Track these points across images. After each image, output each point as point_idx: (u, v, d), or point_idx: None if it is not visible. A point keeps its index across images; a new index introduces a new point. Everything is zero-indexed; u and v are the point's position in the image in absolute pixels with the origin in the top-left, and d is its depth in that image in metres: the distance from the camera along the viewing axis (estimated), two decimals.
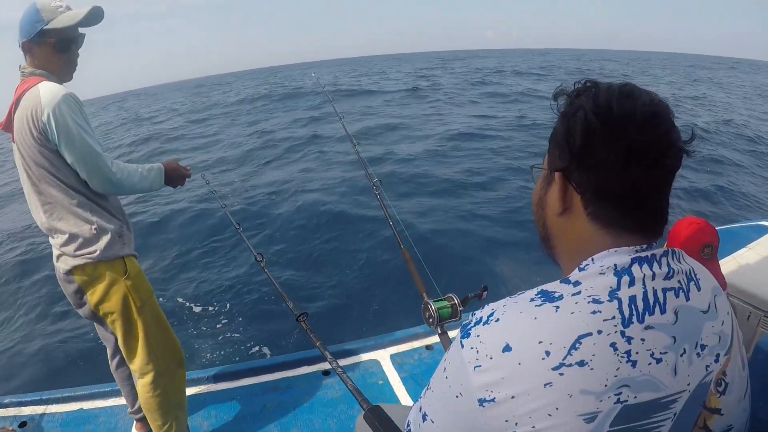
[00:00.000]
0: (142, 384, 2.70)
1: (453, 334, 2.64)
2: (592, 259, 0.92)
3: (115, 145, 22.78)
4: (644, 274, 0.88)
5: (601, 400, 0.79)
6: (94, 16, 2.36)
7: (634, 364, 0.81)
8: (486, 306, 0.94)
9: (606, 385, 0.79)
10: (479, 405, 0.85)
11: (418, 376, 3.49)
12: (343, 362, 3.64)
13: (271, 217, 9.77)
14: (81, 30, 2.39)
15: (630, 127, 0.88)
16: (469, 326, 0.92)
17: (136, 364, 2.66)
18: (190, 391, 3.54)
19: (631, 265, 0.89)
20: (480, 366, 0.86)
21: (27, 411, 3.62)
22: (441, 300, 1.99)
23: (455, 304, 1.96)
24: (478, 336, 0.89)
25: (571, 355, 0.80)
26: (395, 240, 2.65)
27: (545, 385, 0.79)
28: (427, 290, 2.15)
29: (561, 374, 0.79)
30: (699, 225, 2.35)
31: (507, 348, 0.84)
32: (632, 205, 0.92)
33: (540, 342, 0.82)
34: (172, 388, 2.78)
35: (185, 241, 8.77)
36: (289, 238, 8.77)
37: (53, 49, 2.30)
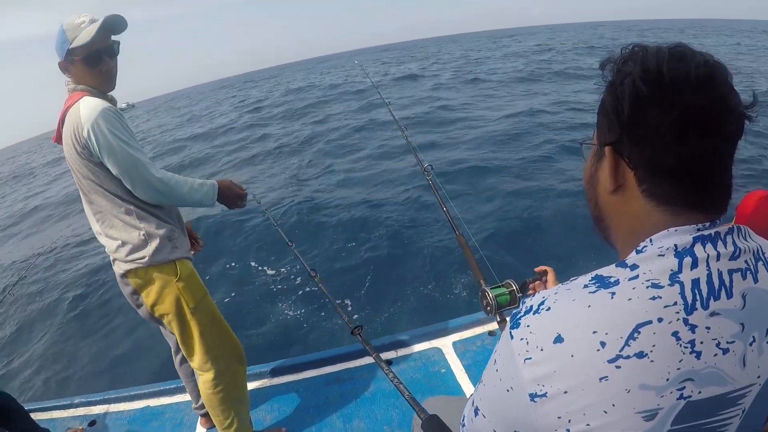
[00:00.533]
0: (203, 381, 2.74)
1: None
2: (651, 240, 0.84)
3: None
4: (708, 255, 0.80)
5: (662, 396, 0.73)
6: (114, 25, 2.36)
7: (698, 355, 0.74)
8: (537, 294, 0.88)
9: (667, 379, 0.73)
10: (530, 400, 0.80)
11: (481, 363, 3.40)
12: (403, 351, 3.62)
13: (323, 206, 9.88)
14: (115, 38, 2.41)
15: (683, 91, 0.79)
16: (518, 315, 0.86)
17: (196, 363, 2.70)
18: (251, 385, 3.58)
19: (693, 245, 0.81)
20: (530, 358, 0.80)
21: (96, 410, 3.73)
22: (499, 287, 1.93)
23: (514, 290, 1.90)
24: (528, 326, 0.83)
25: (628, 345, 0.73)
26: (450, 226, 2.60)
27: (600, 379, 0.73)
28: (484, 277, 2.10)
29: (618, 367, 0.73)
30: None
31: (559, 339, 0.78)
32: (691, 178, 0.83)
33: (594, 332, 0.75)
34: (233, 384, 2.80)
35: (235, 250, 8.87)
36: (341, 227, 8.83)
37: (83, 64, 2.32)
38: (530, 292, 1.92)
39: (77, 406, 3.85)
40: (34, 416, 3.59)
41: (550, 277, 1.91)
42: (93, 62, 2.32)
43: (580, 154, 1.04)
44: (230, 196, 2.70)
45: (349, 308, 6.13)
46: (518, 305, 1.90)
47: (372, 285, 6.69)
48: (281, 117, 26.19)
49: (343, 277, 6.97)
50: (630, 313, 0.76)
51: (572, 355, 0.76)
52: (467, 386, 3.25)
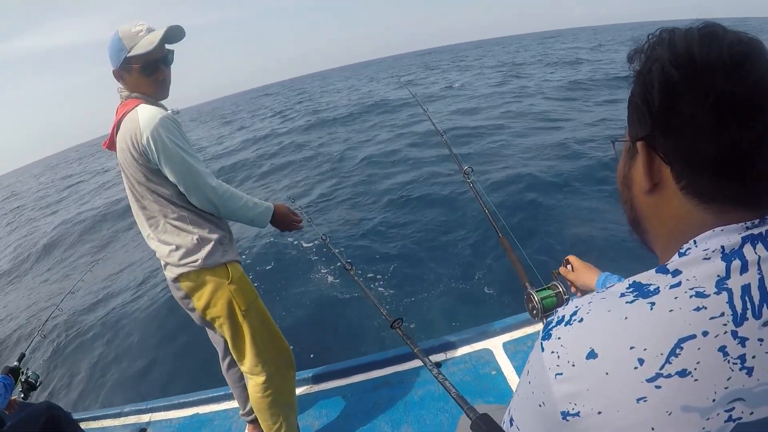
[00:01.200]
0: (253, 385, 2.75)
1: None
2: (694, 242, 0.76)
3: None
4: (759, 256, 0.71)
5: (707, 418, 0.65)
6: (174, 35, 2.40)
7: (749, 371, 0.66)
8: (570, 302, 0.81)
9: (714, 400, 0.65)
10: (562, 418, 0.74)
11: None
12: (452, 354, 3.57)
13: (362, 208, 9.92)
14: (169, 47, 2.44)
15: (717, 74, 0.71)
16: (550, 326, 0.80)
17: (247, 366, 2.71)
18: (299, 390, 3.59)
19: (742, 246, 0.72)
20: (561, 374, 0.74)
21: (146, 418, 3.79)
22: (545, 289, 1.87)
23: (560, 292, 1.84)
24: (558, 338, 0.77)
25: (670, 363, 0.66)
26: (492, 228, 2.54)
27: (638, 399, 0.66)
28: (530, 279, 2.04)
29: (657, 387, 0.66)
30: None
31: (592, 354, 0.71)
32: (733, 171, 0.74)
33: (632, 348, 0.68)
34: (283, 389, 2.81)
35: (268, 245, 8.99)
36: (381, 232, 8.81)
37: (140, 73, 2.35)
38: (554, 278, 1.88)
39: (127, 414, 3.92)
40: (85, 425, 3.67)
41: (575, 263, 1.86)
42: (150, 71, 2.37)
43: (614, 154, 0.96)
44: (285, 222, 2.75)
45: (388, 305, 6.08)
46: (564, 306, 1.85)
47: (413, 286, 6.65)
48: (318, 122, 26.35)
49: (383, 276, 6.97)
50: (671, 326, 0.68)
51: (606, 373, 0.69)
52: None
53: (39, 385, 3.52)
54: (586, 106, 17.15)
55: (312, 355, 5.47)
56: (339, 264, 2.93)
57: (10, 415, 3.13)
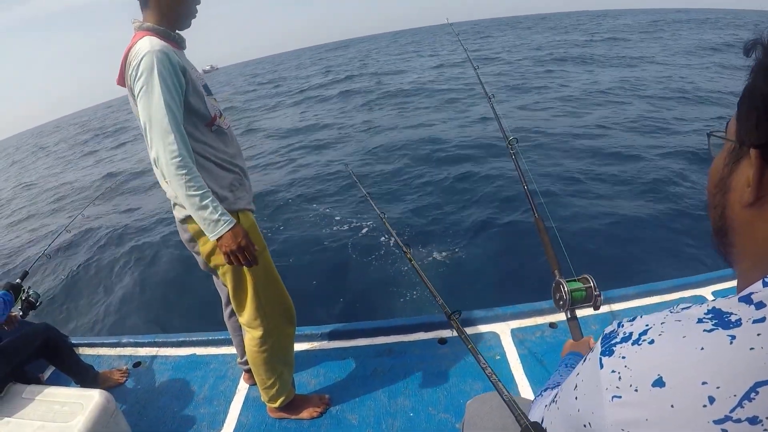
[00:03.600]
0: (249, 338, 2.70)
1: (582, 314, 2.44)
2: None
3: None
4: None
5: None
6: None
7: None
8: (638, 318, 0.73)
9: None
10: None
11: (538, 355, 3.29)
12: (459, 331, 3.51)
13: (401, 176, 9.79)
14: None
15: None
16: (613, 341, 0.72)
17: (245, 318, 2.65)
18: (301, 346, 3.58)
19: None
20: (620, 397, 0.66)
21: (142, 352, 3.79)
22: (575, 281, 1.78)
23: (591, 287, 1.75)
24: (623, 357, 0.69)
25: (742, 407, 0.57)
26: (529, 206, 2.44)
27: None
28: (560, 267, 1.94)
29: (724, 431, 0.57)
30: None
31: (659, 382, 0.63)
32: None
33: (704, 383, 0.59)
34: (279, 345, 2.75)
35: (325, 214, 8.80)
36: (414, 197, 8.75)
37: None
38: None
39: (124, 345, 3.92)
40: (81, 351, 3.67)
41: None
42: None
43: (707, 148, 0.83)
44: (233, 247, 2.30)
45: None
46: (593, 303, 1.75)
47: (437, 256, 6.58)
48: (364, 88, 26.09)
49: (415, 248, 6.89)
50: (750, 366, 0.59)
51: (672, 405, 0.61)
52: (520, 377, 3.12)
53: (39, 305, 3.55)
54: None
55: (323, 314, 5.48)
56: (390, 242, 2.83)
57: (8, 331, 3.18)
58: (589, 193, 8.11)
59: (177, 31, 2.37)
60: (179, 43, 2.37)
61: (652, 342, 0.67)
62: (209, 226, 2.22)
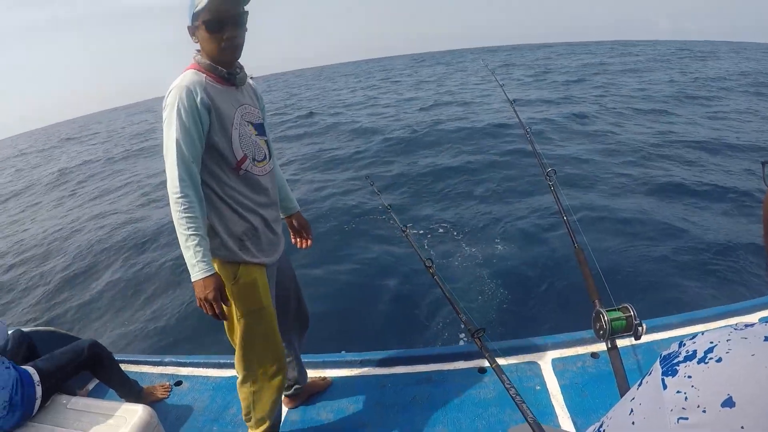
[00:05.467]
0: (238, 377, 2.78)
1: (623, 343, 2.43)
2: None
3: None
4: None
5: None
6: None
7: None
8: (699, 335, 0.71)
9: None
10: None
11: (579, 386, 3.24)
12: (500, 361, 3.46)
13: (430, 194, 9.90)
14: (246, 8, 2.34)
15: None
16: (675, 360, 0.70)
17: (235, 359, 2.71)
18: (340, 372, 3.61)
19: None
20: (686, 419, 0.64)
21: (184, 371, 3.85)
22: (615, 310, 1.79)
23: (631, 316, 1.76)
24: (689, 377, 0.66)
25: None
26: (568, 237, 2.44)
27: None
28: (600, 297, 1.95)
29: None
30: None
31: (729, 402, 0.61)
32: None
33: None
34: (261, 396, 2.76)
35: (345, 236, 8.86)
36: (452, 221, 8.76)
37: (205, 30, 2.27)
38: None
39: (166, 364, 4.01)
40: (124, 368, 3.75)
41: None
42: (214, 28, 2.25)
43: (762, 177, 0.84)
44: (200, 296, 2.31)
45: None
46: (634, 332, 1.75)
47: (473, 286, 6.54)
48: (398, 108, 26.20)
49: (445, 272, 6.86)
50: None
51: (742, 426, 0.59)
52: (560, 409, 3.08)
53: None
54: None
55: (360, 338, 5.49)
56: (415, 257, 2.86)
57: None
58: (629, 221, 8.05)
59: (228, 66, 2.38)
60: (226, 79, 2.38)
61: (719, 360, 0.65)
62: (189, 267, 2.27)
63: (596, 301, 1.92)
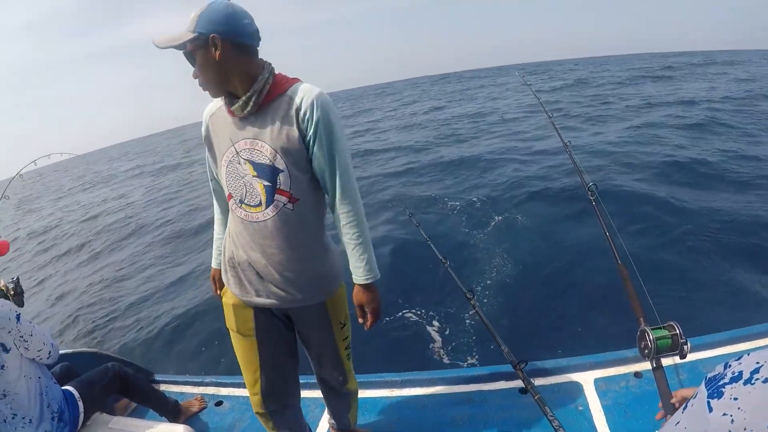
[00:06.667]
0: None
1: (668, 362, 2.38)
2: None
3: None
4: None
5: None
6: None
7: None
8: (745, 356, 0.69)
9: None
10: None
11: (622, 406, 3.17)
12: (541, 381, 3.46)
13: (467, 223, 9.75)
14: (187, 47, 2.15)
15: None
16: (720, 381, 0.69)
17: None
18: (380, 393, 3.62)
19: None
20: None
21: (224, 392, 3.90)
22: (660, 328, 1.77)
23: (677, 335, 1.73)
24: (734, 399, 0.65)
25: None
26: (612, 253, 2.42)
27: None
28: (645, 315, 1.92)
29: None
30: None
31: None
32: None
33: None
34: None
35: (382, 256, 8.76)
36: (489, 243, 8.65)
37: None
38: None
39: (207, 384, 4.06)
40: (164, 388, 3.82)
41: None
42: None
43: None
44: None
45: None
46: (679, 351, 1.72)
47: (514, 305, 6.49)
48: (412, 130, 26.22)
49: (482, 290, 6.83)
50: None
51: None
52: (603, 430, 3.02)
53: (21, 291, 3.74)
54: None
55: (397, 361, 5.47)
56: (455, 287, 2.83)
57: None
58: (676, 234, 7.88)
59: (242, 97, 2.19)
60: (233, 110, 2.20)
61: (766, 381, 0.64)
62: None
63: (641, 318, 1.91)
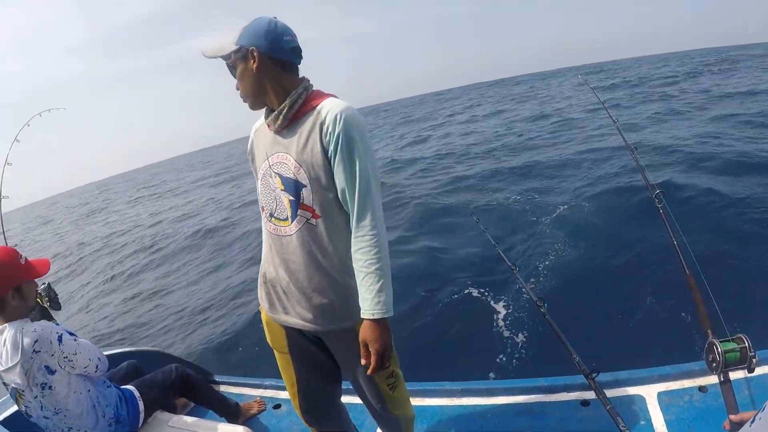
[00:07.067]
0: None
1: (735, 376, 2.31)
2: None
3: None
4: None
5: None
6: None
7: None
8: None
9: None
10: None
11: (685, 421, 3.07)
12: (605, 392, 3.39)
13: (532, 228, 9.64)
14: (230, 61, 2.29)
15: None
16: None
17: None
18: (440, 401, 3.61)
19: None
20: None
21: (283, 395, 3.95)
22: (729, 341, 1.73)
23: (746, 347, 1.69)
24: None
25: None
26: (679, 262, 2.36)
27: None
28: (713, 327, 1.88)
29: None
30: None
31: None
32: None
33: None
34: None
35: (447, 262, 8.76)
36: (550, 249, 8.54)
37: None
38: None
39: (266, 387, 4.13)
40: (224, 389, 3.90)
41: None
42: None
43: None
44: None
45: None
46: (748, 365, 1.68)
47: (578, 314, 6.34)
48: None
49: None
50: None
51: None
52: None
53: (55, 295, 3.70)
54: None
55: (458, 369, 5.46)
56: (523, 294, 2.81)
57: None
58: (749, 242, 7.59)
59: (275, 111, 2.26)
60: (267, 123, 2.30)
61: None
62: None
63: (708, 330, 1.87)
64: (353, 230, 2.15)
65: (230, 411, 3.74)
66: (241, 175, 34.27)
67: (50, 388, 2.75)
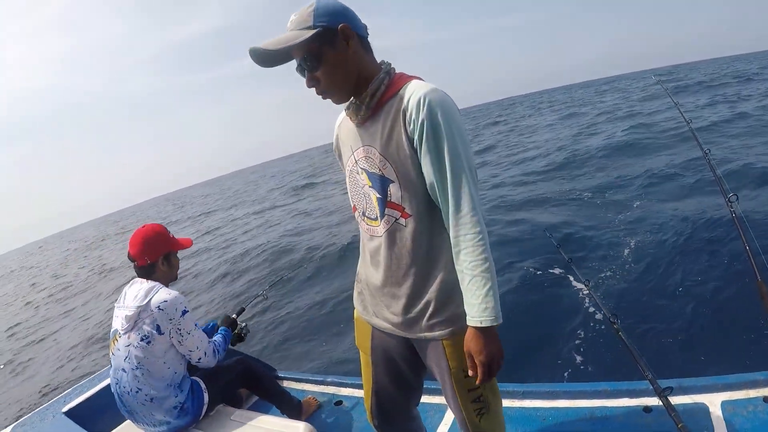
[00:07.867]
0: None
1: None
2: None
3: None
4: None
5: None
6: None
7: None
8: None
9: None
10: None
11: (749, 431, 3.03)
12: (666, 400, 3.36)
13: (602, 242, 9.47)
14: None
15: None
16: None
17: None
18: (506, 402, 3.58)
19: None
20: None
21: (344, 392, 4.02)
22: None
23: None
24: None
25: None
26: (751, 268, 2.34)
27: None
28: None
29: None
30: None
31: None
32: None
33: None
34: None
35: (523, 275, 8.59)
36: (616, 259, 8.42)
37: None
38: None
39: (328, 384, 4.20)
40: (286, 384, 4.01)
41: None
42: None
43: None
44: None
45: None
46: None
47: (643, 323, 6.27)
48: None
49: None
50: None
51: None
52: None
53: (245, 338, 3.98)
54: None
55: (520, 371, 5.49)
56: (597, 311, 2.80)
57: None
58: None
59: (355, 101, 2.02)
60: (349, 115, 2.08)
61: None
62: None
63: None
64: (450, 229, 1.90)
65: (293, 408, 3.83)
66: None
67: (149, 343, 2.99)
